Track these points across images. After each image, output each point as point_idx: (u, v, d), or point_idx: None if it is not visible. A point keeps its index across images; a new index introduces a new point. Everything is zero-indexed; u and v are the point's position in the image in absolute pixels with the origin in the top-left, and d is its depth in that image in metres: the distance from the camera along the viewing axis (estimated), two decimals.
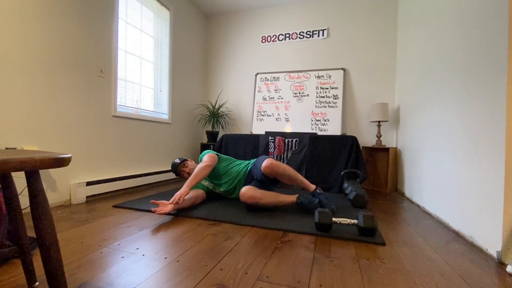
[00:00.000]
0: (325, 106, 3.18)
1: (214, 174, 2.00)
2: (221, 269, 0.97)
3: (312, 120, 3.20)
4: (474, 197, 1.31)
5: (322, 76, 3.27)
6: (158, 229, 1.39)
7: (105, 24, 2.19)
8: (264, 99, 3.47)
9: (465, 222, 1.37)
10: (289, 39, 3.45)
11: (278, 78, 3.45)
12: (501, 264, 1.07)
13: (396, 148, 2.81)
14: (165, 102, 3.06)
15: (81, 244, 1.18)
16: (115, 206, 1.83)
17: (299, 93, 3.33)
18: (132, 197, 2.14)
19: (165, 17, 3.03)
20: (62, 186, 1.88)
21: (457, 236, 1.40)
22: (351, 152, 2.58)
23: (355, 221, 1.37)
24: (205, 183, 2.03)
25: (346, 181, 2.33)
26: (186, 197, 1.72)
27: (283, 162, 2.80)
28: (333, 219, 1.39)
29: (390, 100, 3.05)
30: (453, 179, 1.52)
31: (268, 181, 1.84)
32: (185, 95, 3.41)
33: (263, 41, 3.56)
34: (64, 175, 1.90)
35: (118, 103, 2.36)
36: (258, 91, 3.52)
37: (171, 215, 1.63)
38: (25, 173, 0.61)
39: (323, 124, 3.15)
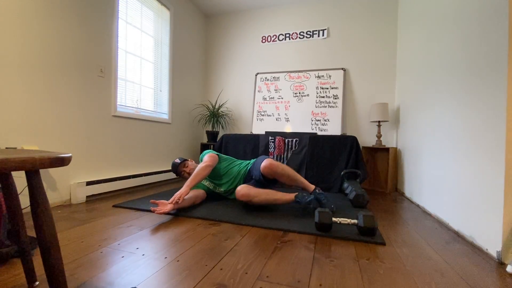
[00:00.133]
0: (325, 106, 3.18)
1: (214, 174, 2.01)
2: (221, 269, 0.97)
3: (312, 120, 3.20)
4: (474, 197, 1.31)
5: (322, 76, 3.26)
6: (158, 228, 1.39)
7: (105, 24, 2.19)
8: (264, 99, 3.47)
9: (465, 222, 1.37)
10: (289, 39, 3.45)
11: (278, 78, 3.45)
12: (501, 264, 1.07)
13: (396, 148, 2.81)
14: (165, 102, 3.06)
15: (81, 243, 1.18)
16: (115, 206, 1.83)
17: (299, 93, 3.33)
18: (132, 197, 2.14)
19: (165, 17, 3.03)
20: (62, 186, 1.88)
21: (457, 236, 1.40)
22: (351, 152, 2.58)
23: (355, 221, 1.37)
24: (206, 183, 2.03)
25: (346, 181, 2.33)
26: (186, 197, 1.72)
27: (283, 162, 2.80)
28: (333, 219, 1.39)
29: (390, 100, 3.05)
30: (453, 179, 1.52)
31: (266, 182, 1.84)
32: (185, 95, 3.41)
33: (263, 41, 3.56)
34: (64, 174, 1.90)
35: (118, 103, 2.36)
36: (258, 91, 3.52)
37: (171, 215, 1.63)
38: (25, 173, 0.61)
39: (323, 124, 3.15)
